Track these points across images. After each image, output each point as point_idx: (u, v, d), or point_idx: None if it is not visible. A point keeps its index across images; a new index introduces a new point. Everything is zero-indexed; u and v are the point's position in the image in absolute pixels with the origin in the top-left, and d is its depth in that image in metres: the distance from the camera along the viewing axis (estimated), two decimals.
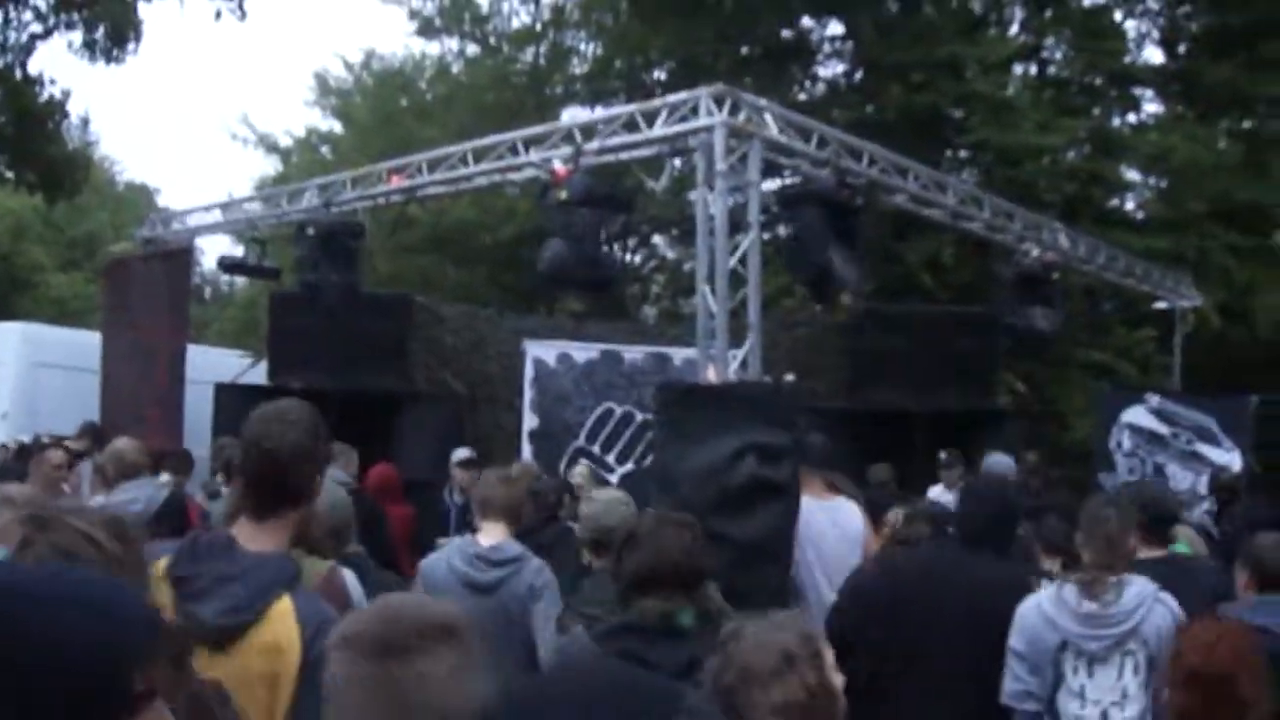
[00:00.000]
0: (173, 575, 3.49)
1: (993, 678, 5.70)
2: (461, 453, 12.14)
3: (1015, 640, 5.68)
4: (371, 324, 14.64)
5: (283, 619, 3.46)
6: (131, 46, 21.87)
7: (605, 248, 10.80)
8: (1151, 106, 23.32)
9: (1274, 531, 5.94)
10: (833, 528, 7.90)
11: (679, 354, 14.74)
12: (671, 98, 10.89)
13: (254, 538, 3.65)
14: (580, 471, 11.83)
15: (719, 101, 10.26)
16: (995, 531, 6.19)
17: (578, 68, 27.90)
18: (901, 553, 6.93)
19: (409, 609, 2.55)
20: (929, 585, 5.94)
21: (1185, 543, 7.79)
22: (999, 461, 10.19)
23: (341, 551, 5.60)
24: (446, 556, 6.45)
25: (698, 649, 4.08)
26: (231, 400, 13.91)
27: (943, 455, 12.10)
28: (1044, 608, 5.64)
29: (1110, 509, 5.90)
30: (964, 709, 5.81)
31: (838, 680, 3.18)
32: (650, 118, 10.87)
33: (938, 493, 11.21)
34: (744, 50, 23.73)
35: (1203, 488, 14.65)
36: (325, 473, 3.93)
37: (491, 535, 6.44)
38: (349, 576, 5.52)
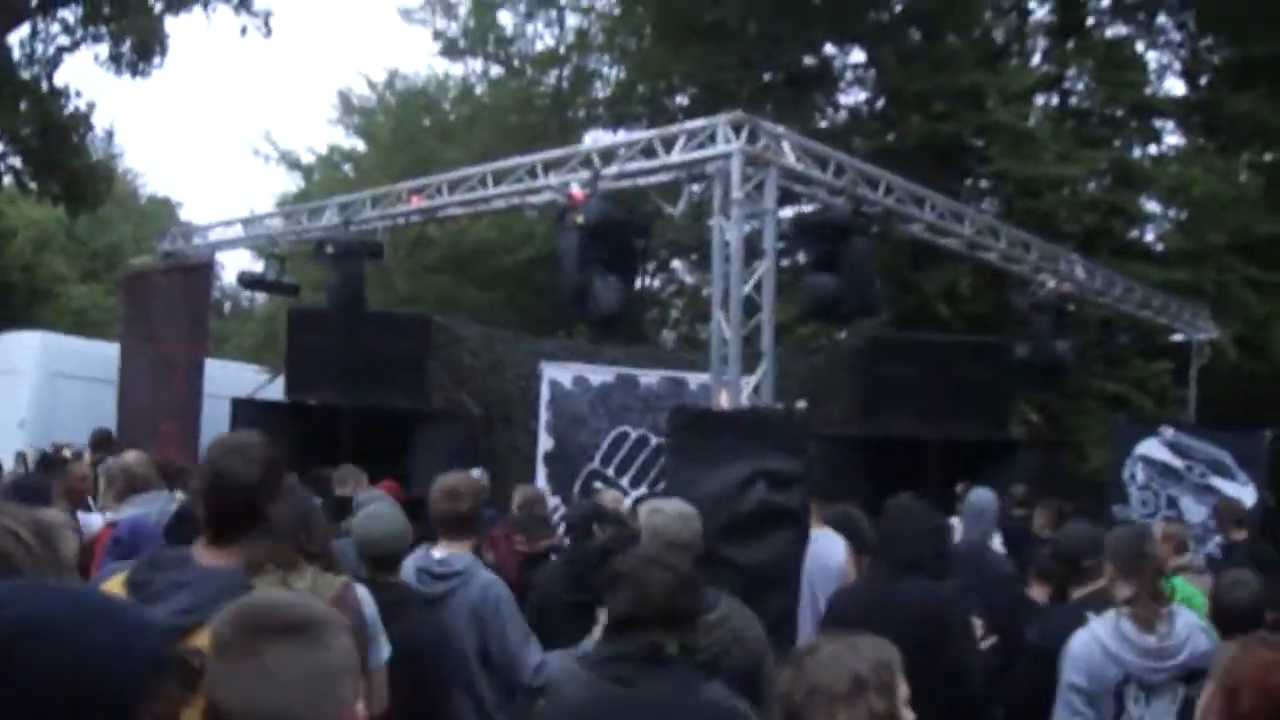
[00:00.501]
0: (130, 580, 3.73)
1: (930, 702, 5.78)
2: (474, 474, 12.16)
3: (1074, 675, 5.68)
4: (389, 343, 14.68)
5: None
6: (157, 60, 22.04)
7: (619, 274, 10.74)
8: (1172, 138, 23.37)
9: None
10: (812, 560, 7.94)
11: (695, 379, 14.77)
12: (690, 124, 10.92)
13: (209, 557, 3.87)
14: (614, 495, 11.81)
15: (737, 128, 10.30)
16: (924, 555, 6.24)
17: (600, 91, 27.99)
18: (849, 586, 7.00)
19: (260, 606, 2.54)
20: (867, 613, 5.98)
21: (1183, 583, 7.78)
22: (981, 495, 10.20)
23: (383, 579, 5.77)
24: (409, 565, 6.49)
25: (683, 681, 4.13)
26: (248, 415, 13.97)
27: (959, 487, 12.08)
28: (1104, 642, 5.65)
29: (1152, 543, 6.06)
30: None
31: (908, 716, 3.15)
32: (668, 144, 10.91)
33: (954, 524, 11.21)
34: (766, 77, 23.78)
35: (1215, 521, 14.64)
36: (280, 501, 4.09)
37: (443, 549, 6.42)
38: (362, 593, 5.57)
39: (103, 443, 13.54)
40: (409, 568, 6.39)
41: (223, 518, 3.94)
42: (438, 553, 6.40)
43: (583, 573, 7.32)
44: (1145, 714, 5.65)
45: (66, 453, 13.24)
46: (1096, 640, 5.68)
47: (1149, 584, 5.75)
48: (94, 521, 8.37)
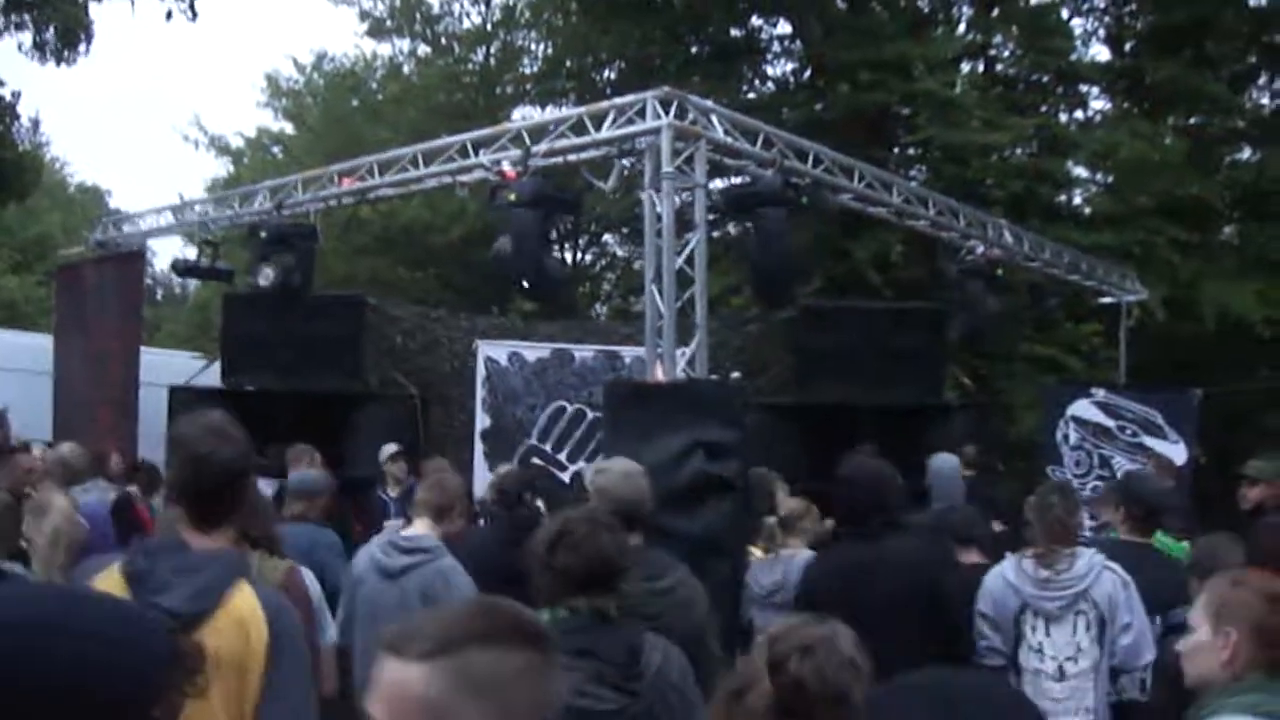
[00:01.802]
0: (127, 572, 3.64)
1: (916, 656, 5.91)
2: (389, 448, 12.24)
3: (982, 604, 6.49)
4: (323, 325, 14.66)
5: (244, 601, 3.64)
6: (82, 48, 21.80)
7: (553, 250, 10.81)
8: (1098, 104, 23.55)
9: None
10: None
11: (629, 352, 14.87)
12: (619, 100, 10.97)
13: (201, 541, 3.82)
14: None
15: (665, 104, 10.35)
16: (878, 513, 6.36)
17: (528, 68, 28.00)
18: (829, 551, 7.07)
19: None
20: (857, 575, 6.14)
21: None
22: (945, 460, 10.31)
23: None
24: (373, 544, 6.55)
25: (632, 637, 4.22)
26: (186, 403, 13.92)
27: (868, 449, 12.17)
28: (1007, 576, 6.48)
29: (1054, 496, 6.70)
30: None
31: None
32: (598, 120, 10.95)
33: None
34: (693, 50, 23.82)
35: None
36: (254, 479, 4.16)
37: (415, 528, 6.55)
38: (308, 575, 5.64)
39: None
40: (376, 542, 6.49)
41: (210, 500, 3.90)
42: (407, 530, 6.57)
43: (516, 540, 7.41)
44: (1045, 642, 6.36)
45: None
46: (1001, 574, 6.53)
47: (1049, 530, 6.48)
48: None
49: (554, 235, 10.97)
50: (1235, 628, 3.67)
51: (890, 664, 5.85)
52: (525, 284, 10.96)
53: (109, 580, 3.65)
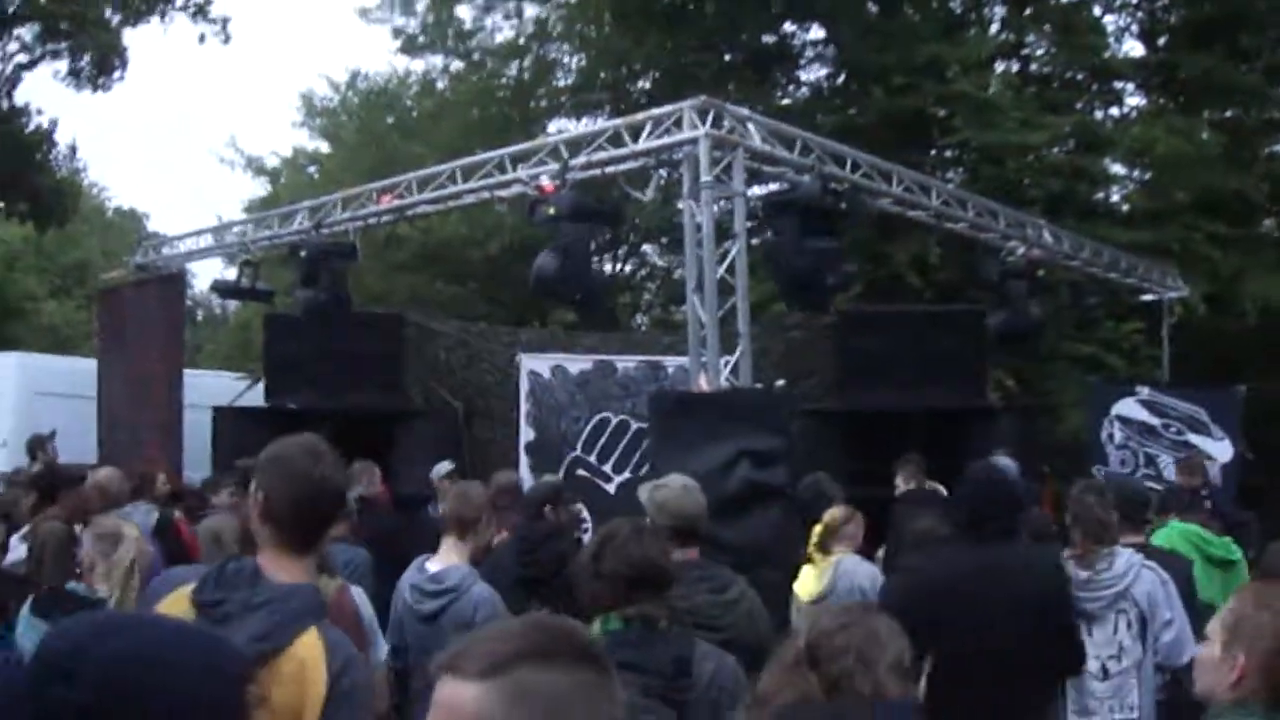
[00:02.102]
0: (198, 600, 3.49)
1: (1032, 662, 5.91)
2: (443, 466, 12.21)
3: None
4: (365, 343, 14.71)
5: (310, 650, 3.43)
6: (117, 74, 22.01)
7: (594, 260, 10.83)
8: (1133, 100, 23.45)
9: None
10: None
11: (671, 362, 14.86)
12: (655, 111, 10.97)
13: (282, 569, 3.60)
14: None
15: (702, 114, 10.35)
16: (999, 517, 6.15)
17: (562, 80, 27.97)
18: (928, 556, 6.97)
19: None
20: (976, 579, 5.95)
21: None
22: (1005, 464, 10.28)
23: None
24: (405, 581, 6.47)
25: (680, 648, 4.21)
26: (230, 423, 14.04)
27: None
28: None
29: (1092, 495, 6.70)
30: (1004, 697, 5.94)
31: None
32: (635, 132, 10.97)
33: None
34: (727, 58, 23.81)
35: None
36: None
37: (441, 558, 6.41)
38: (358, 594, 5.62)
39: (37, 447, 13.53)
40: (404, 583, 6.41)
41: (310, 525, 3.70)
42: (432, 565, 6.38)
43: (531, 550, 7.41)
44: (1086, 641, 6.21)
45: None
46: None
47: (1087, 530, 6.52)
48: None
49: (593, 247, 10.89)
50: (1245, 652, 3.59)
51: (1010, 671, 5.82)
52: (576, 297, 10.98)
53: (177, 604, 3.53)
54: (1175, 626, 6.43)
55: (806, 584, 7.97)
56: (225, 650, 2.29)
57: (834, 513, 8.53)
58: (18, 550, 7.92)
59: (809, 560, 8.29)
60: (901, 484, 11.06)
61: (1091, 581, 6.34)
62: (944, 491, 10.09)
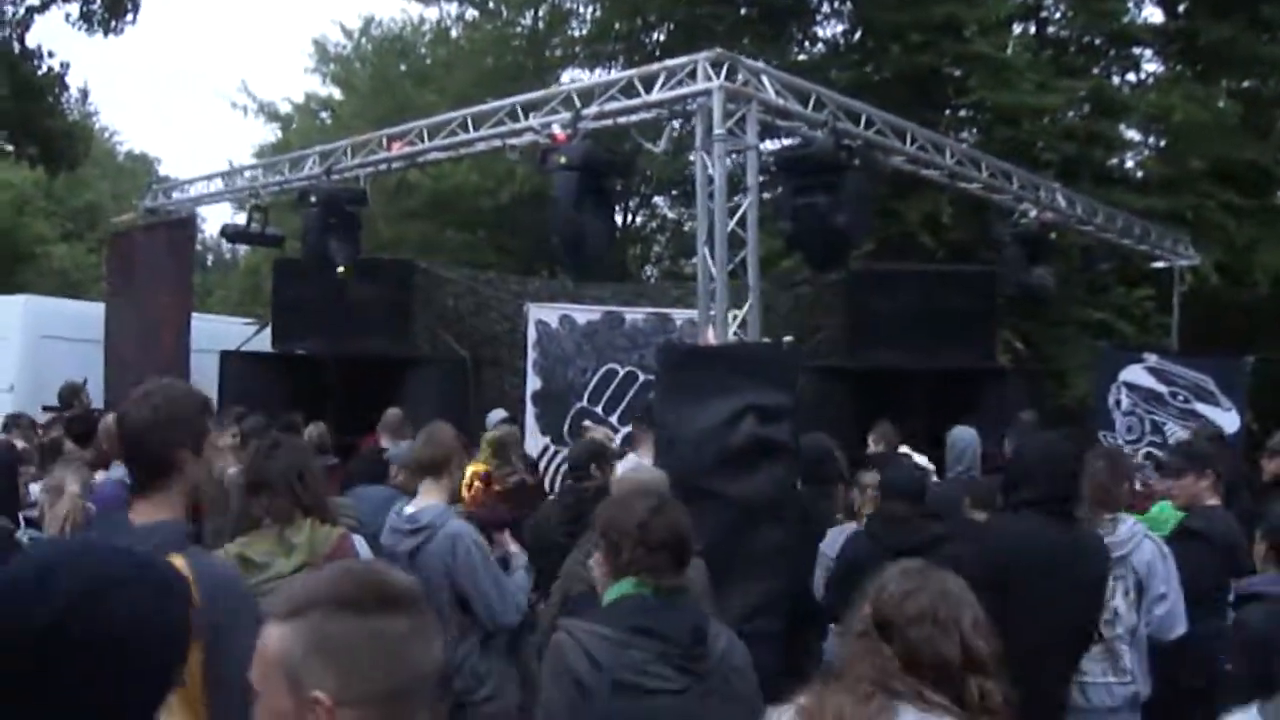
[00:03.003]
0: None
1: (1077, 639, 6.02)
2: (498, 414, 12.18)
3: None
4: (374, 290, 14.71)
5: None
6: (129, 17, 21.90)
7: (602, 213, 10.75)
8: (1151, 66, 23.33)
9: None
10: None
11: (680, 315, 14.86)
12: (670, 62, 10.90)
13: (141, 513, 3.75)
14: (604, 433, 11.91)
15: (716, 66, 10.29)
16: (1068, 497, 6.07)
17: (577, 30, 27.86)
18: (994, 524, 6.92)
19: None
20: (1049, 555, 5.87)
21: None
22: (964, 431, 10.29)
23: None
24: (386, 525, 6.47)
25: (698, 618, 4.22)
26: (237, 368, 14.06)
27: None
28: None
29: (1101, 461, 6.71)
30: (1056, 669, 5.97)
31: None
32: (649, 82, 10.90)
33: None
34: (743, 11, 23.68)
35: None
36: (200, 446, 3.89)
37: (418, 501, 6.43)
38: (359, 541, 5.60)
39: (72, 395, 13.59)
40: (385, 529, 6.41)
41: (129, 464, 3.88)
42: (409, 507, 6.40)
43: (580, 513, 7.36)
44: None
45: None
46: None
47: (1093, 495, 6.46)
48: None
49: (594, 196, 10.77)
50: None
51: (1056, 647, 5.81)
52: (573, 253, 10.96)
53: None
54: (1169, 601, 6.46)
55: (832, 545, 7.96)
56: (173, 572, 2.43)
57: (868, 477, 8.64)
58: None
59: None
60: (872, 446, 11.04)
61: None
62: (916, 458, 10.03)
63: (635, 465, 9.20)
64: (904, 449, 10.66)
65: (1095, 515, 6.42)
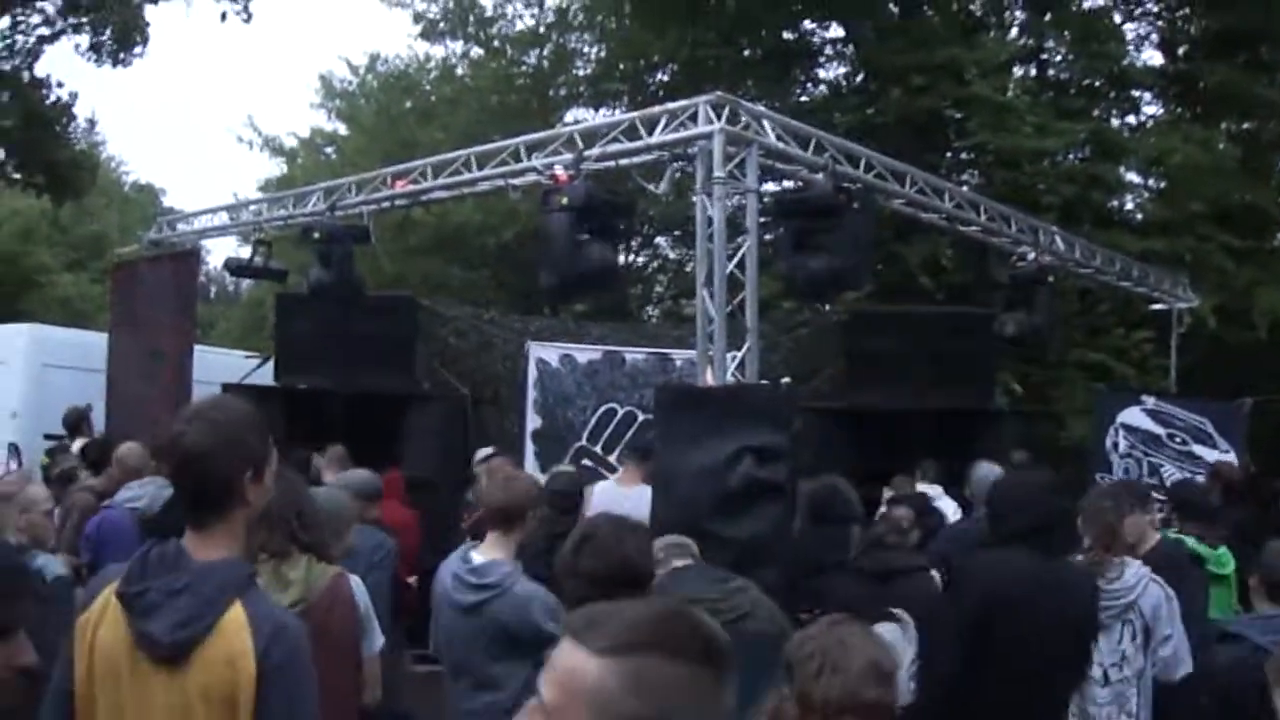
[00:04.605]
0: (122, 593, 3.31)
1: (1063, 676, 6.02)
2: (484, 451, 12.16)
3: None
4: (376, 326, 14.71)
5: (235, 627, 3.27)
6: (138, 49, 22.05)
7: (601, 249, 10.79)
8: (1150, 109, 23.49)
9: None
10: (635, 512, 8.23)
11: (680, 355, 14.93)
12: (671, 105, 10.99)
13: (200, 547, 3.39)
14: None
15: (718, 109, 10.38)
16: (1051, 530, 6.05)
17: (581, 70, 28.04)
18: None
19: None
20: (1032, 593, 5.85)
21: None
22: (989, 469, 10.30)
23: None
24: (447, 569, 6.25)
25: None
26: None
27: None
28: None
29: (1108, 501, 6.79)
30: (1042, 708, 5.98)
31: None
32: (650, 125, 10.98)
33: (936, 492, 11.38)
34: (746, 53, 23.84)
35: None
36: (264, 471, 3.51)
37: (485, 551, 6.06)
38: (355, 582, 5.60)
39: (79, 420, 13.68)
40: (447, 570, 6.05)
41: (187, 494, 3.46)
42: (477, 557, 6.03)
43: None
44: (1091, 648, 6.20)
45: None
46: None
47: (1100, 537, 6.52)
48: None
49: (590, 233, 10.80)
50: None
51: (1043, 683, 5.86)
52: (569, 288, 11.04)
53: (106, 600, 3.37)
54: (1173, 642, 6.53)
55: None
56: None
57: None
58: None
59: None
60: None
61: (1102, 591, 6.34)
62: (942, 501, 10.11)
63: (607, 489, 9.34)
64: (923, 487, 10.76)
65: (1099, 558, 6.48)
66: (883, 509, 9.42)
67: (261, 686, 3.22)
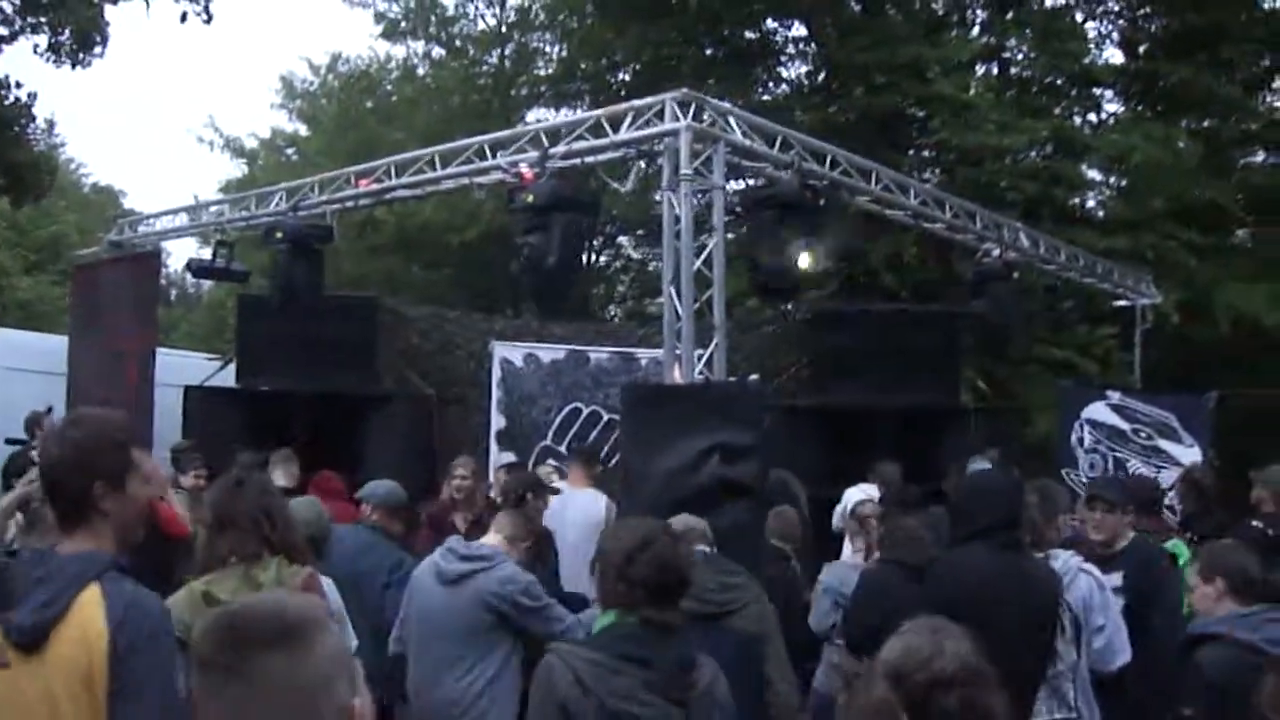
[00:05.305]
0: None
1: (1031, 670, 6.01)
2: (505, 457, 12.14)
3: None
4: (338, 326, 14.62)
5: (90, 607, 3.38)
6: (98, 50, 21.84)
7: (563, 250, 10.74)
8: (1112, 107, 23.55)
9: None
10: (580, 514, 8.28)
11: (644, 354, 14.90)
12: (637, 102, 10.93)
13: (69, 545, 3.60)
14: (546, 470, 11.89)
15: (684, 106, 10.34)
16: (1014, 526, 6.18)
17: (543, 70, 28.01)
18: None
19: (238, 616, 2.26)
20: (994, 586, 5.94)
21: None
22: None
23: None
24: (427, 559, 6.54)
25: (685, 646, 4.26)
26: (200, 403, 13.98)
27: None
28: None
29: (1033, 497, 6.71)
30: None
31: None
32: (616, 122, 10.94)
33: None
34: (708, 52, 23.83)
35: (1165, 482, 14.75)
36: (124, 482, 3.69)
37: (485, 540, 6.54)
38: (327, 583, 5.58)
39: (36, 425, 13.55)
40: (425, 562, 6.57)
41: (54, 505, 3.71)
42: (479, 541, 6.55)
43: None
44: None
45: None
46: None
47: (1031, 532, 6.49)
48: None
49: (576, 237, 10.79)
50: None
51: (1020, 674, 5.85)
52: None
53: None
54: (1106, 632, 6.51)
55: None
56: None
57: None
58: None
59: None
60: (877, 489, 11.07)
61: None
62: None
63: (567, 495, 9.36)
64: (867, 488, 10.74)
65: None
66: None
67: (113, 664, 3.31)
